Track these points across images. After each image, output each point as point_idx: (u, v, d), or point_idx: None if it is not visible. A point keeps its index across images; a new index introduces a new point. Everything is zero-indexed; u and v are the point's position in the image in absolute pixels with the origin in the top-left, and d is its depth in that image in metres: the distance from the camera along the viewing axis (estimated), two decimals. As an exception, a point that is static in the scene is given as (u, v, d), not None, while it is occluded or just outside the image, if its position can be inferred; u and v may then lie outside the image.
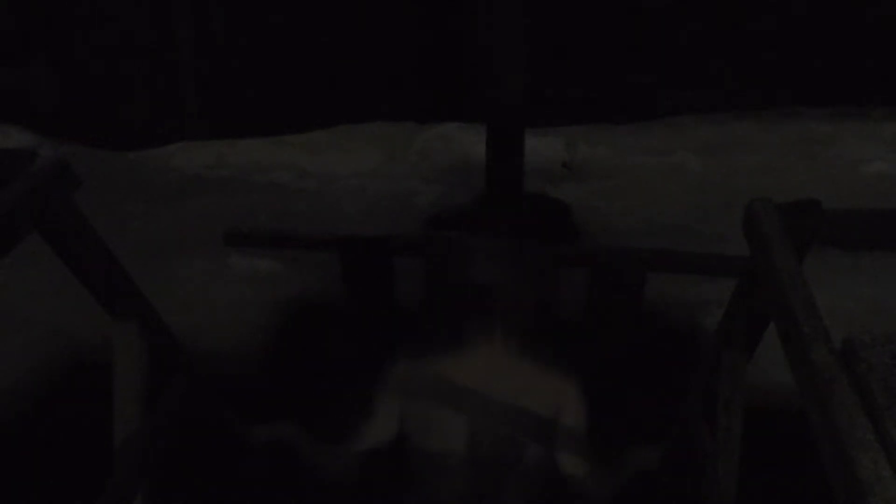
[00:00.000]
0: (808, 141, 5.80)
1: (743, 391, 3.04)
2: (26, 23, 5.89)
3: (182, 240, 5.16)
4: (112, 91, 6.07)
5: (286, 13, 6.28)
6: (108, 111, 6.13)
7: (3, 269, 2.50)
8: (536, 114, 5.29)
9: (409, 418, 3.23)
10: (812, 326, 2.11)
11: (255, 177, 6.27)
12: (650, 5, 6.07)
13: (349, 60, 6.46)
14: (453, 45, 6.30)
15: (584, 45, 5.64)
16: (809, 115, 5.97)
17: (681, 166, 5.75)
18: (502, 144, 4.90)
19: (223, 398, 4.03)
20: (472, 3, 5.13)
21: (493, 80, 4.81)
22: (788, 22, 5.93)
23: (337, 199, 5.86)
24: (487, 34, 4.78)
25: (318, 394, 3.70)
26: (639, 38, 5.97)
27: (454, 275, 3.92)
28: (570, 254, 4.80)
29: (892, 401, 1.85)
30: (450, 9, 6.37)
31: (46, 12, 5.87)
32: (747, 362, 3.00)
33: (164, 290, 3.69)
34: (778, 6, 5.90)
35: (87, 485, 3.17)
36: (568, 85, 6.21)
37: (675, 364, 3.87)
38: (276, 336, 4.58)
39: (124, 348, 3.36)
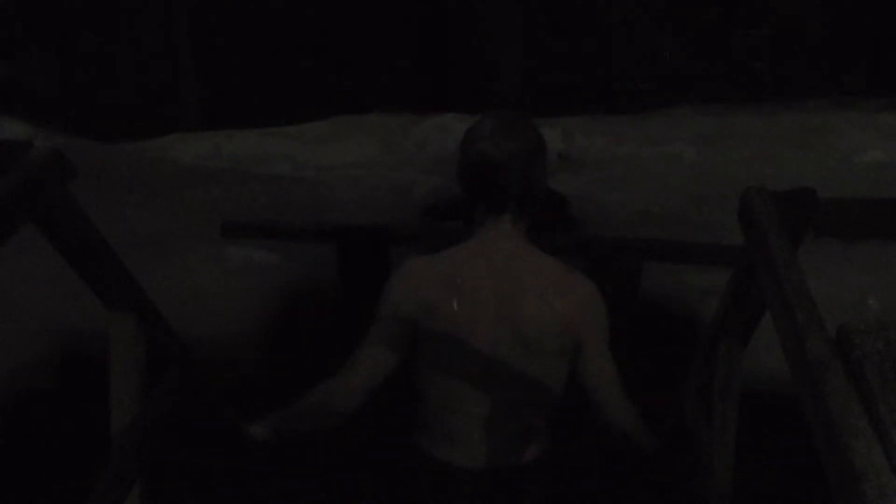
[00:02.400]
0: (804, 131, 5.82)
1: (738, 380, 3.05)
2: (24, 13, 5.88)
3: (178, 230, 5.16)
4: (109, 81, 6.07)
5: (284, 5, 6.27)
6: (105, 102, 6.13)
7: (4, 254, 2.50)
8: (533, 104, 5.29)
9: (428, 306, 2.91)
10: (807, 314, 2.11)
11: (252, 167, 6.28)
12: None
13: (347, 52, 6.46)
14: (451, 37, 6.30)
15: (581, 37, 5.64)
16: (805, 106, 5.99)
17: (677, 156, 5.77)
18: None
19: (219, 388, 4.04)
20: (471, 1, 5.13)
21: (490, 72, 4.81)
22: (785, 13, 5.93)
23: (334, 190, 5.86)
24: (485, 27, 4.78)
25: (314, 384, 3.70)
26: (634, 28, 5.97)
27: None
28: (566, 244, 4.80)
29: (886, 388, 1.85)
30: (449, 4, 6.38)
31: (45, 4, 5.86)
32: (743, 351, 3.01)
33: (160, 281, 3.69)
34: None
35: (84, 475, 3.17)
36: (564, 76, 6.21)
37: (672, 352, 3.87)
38: (272, 326, 4.59)
39: (120, 339, 3.36)
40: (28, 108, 5.93)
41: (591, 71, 6.05)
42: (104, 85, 6.10)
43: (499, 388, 2.93)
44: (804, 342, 2.01)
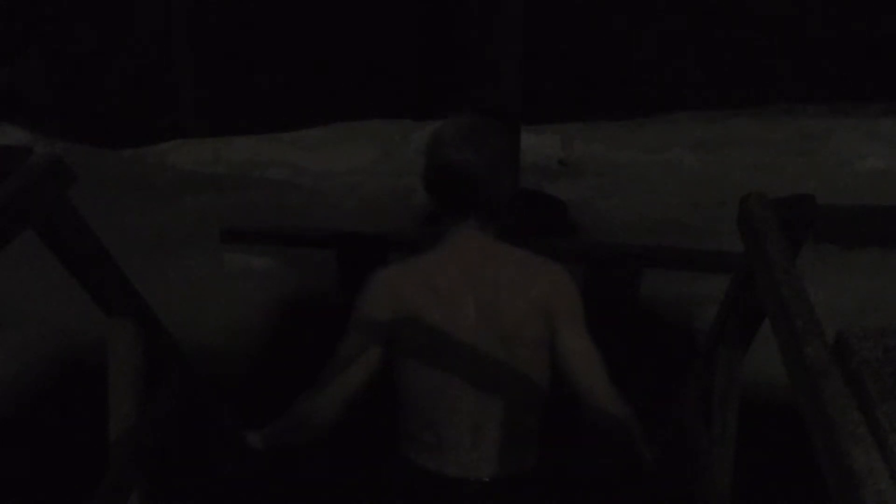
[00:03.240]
0: (804, 137, 5.83)
1: (738, 386, 3.05)
2: (22, 20, 5.89)
3: (178, 237, 5.17)
4: (108, 88, 6.08)
5: (283, 12, 6.28)
6: (104, 108, 6.14)
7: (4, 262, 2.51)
8: (532, 111, 5.30)
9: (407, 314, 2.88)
10: (805, 321, 2.12)
11: (251, 174, 6.28)
12: (647, 4, 6.08)
13: (346, 58, 6.47)
14: (451, 45, 6.31)
15: (579, 44, 5.64)
16: (805, 112, 6.00)
17: (676, 163, 5.78)
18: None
19: (218, 394, 4.04)
20: (471, 5, 5.13)
21: (490, 80, 4.82)
22: (784, 18, 5.94)
23: (333, 196, 5.87)
24: (485, 36, 4.79)
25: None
26: (633, 35, 5.98)
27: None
28: (566, 249, 4.81)
29: (884, 394, 1.85)
30: (448, 9, 6.38)
31: (42, 10, 5.87)
32: (742, 358, 3.01)
33: (159, 288, 3.69)
34: (776, 4, 5.91)
35: (83, 481, 3.17)
36: (563, 83, 6.22)
37: (672, 359, 3.88)
38: (271, 332, 4.59)
39: (120, 345, 3.36)
40: (28, 114, 5.93)
41: (590, 78, 6.06)
42: (104, 91, 6.11)
43: (485, 389, 2.89)
44: (803, 348, 2.02)
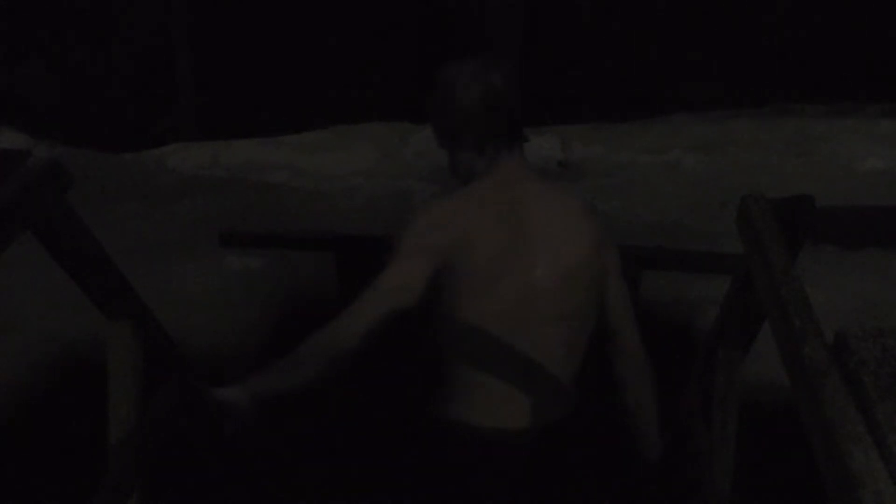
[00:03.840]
0: (803, 138, 5.83)
1: (738, 388, 3.05)
2: (23, 23, 5.90)
3: (177, 240, 5.18)
4: (107, 92, 6.10)
5: (282, 15, 6.28)
6: (104, 112, 6.16)
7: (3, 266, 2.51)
8: (532, 113, 5.30)
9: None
10: (804, 321, 2.12)
11: (250, 177, 6.28)
12: (646, 7, 6.09)
13: (345, 60, 6.47)
14: (450, 46, 6.32)
15: (579, 46, 5.65)
16: (805, 113, 6.01)
17: (676, 164, 5.78)
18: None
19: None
20: (470, 7, 5.14)
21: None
22: (785, 20, 5.95)
23: (332, 199, 5.87)
24: (484, 36, 4.80)
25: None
26: (633, 37, 5.99)
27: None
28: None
29: (882, 394, 1.86)
30: (448, 10, 6.39)
31: (43, 13, 5.88)
32: (742, 359, 3.02)
33: (159, 290, 3.71)
34: (775, 5, 5.92)
35: (83, 483, 3.18)
36: (564, 84, 6.22)
37: (672, 360, 3.88)
38: (271, 333, 4.60)
39: (119, 348, 3.36)
40: (27, 117, 5.94)
41: (589, 79, 6.07)
42: (103, 95, 6.12)
43: (541, 329, 2.80)
44: (802, 348, 2.02)
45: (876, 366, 1.95)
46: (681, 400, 3.41)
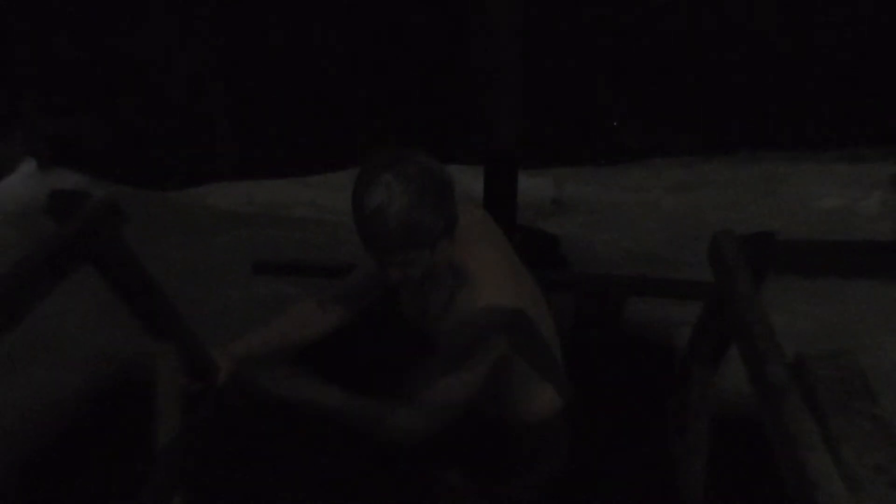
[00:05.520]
0: (768, 180, 5.83)
1: (710, 402, 3.06)
2: (80, 79, 5.96)
3: (215, 268, 5.19)
4: (154, 139, 6.14)
5: (311, 79, 6.32)
6: (151, 156, 6.19)
7: (56, 297, 2.53)
8: (529, 157, 5.33)
9: None
10: (767, 343, 2.14)
11: (280, 212, 6.29)
12: (628, 65, 6.12)
13: (362, 114, 6.51)
14: (452, 98, 6.35)
15: (569, 99, 5.69)
16: (769, 158, 6.00)
17: (656, 203, 5.78)
18: (498, 184, 4.94)
19: (252, 406, 4.04)
20: (473, 67, 5.17)
21: (490, 130, 4.86)
22: (753, 77, 5.98)
23: (352, 232, 5.87)
24: (486, 89, 4.83)
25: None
26: (612, 94, 6.03)
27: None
28: (558, 279, 4.83)
29: (836, 408, 1.87)
30: (451, 67, 6.43)
31: (98, 71, 5.94)
32: (713, 376, 3.02)
33: (200, 312, 3.72)
34: (744, 68, 5.95)
35: (131, 484, 3.18)
36: (557, 133, 6.25)
37: (652, 377, 3.88)
38: (299, 355, 4.60)
39: (165, 364, 3.37)
40: (83, 160, 5.99)
41: (579, 129, 6.10)
42: (150, 141, 6.17)
43: None
44: (765, 367, 2.03)
45: (831, 383, 1.96)
46: (660, 412, 3.41)
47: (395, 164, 2.43)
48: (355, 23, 6.32)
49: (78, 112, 6.03)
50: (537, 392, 3.05)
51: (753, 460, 2.33)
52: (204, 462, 3.55)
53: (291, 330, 3.00)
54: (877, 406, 1.88)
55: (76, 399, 4.13)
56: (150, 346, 3.30)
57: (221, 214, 6.21)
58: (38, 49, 5.91)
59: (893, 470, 1.68)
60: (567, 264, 5.09)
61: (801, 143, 5.93)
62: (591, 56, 6.11)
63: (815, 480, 1.65)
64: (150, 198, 5.93)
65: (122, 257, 2.69)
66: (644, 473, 3.58)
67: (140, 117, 6.09)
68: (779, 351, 2.09)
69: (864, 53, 5.83)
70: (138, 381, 3.44)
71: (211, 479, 3.61)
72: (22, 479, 3.64)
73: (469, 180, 5.97)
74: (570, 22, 5.97)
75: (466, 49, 5.69)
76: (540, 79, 5.42)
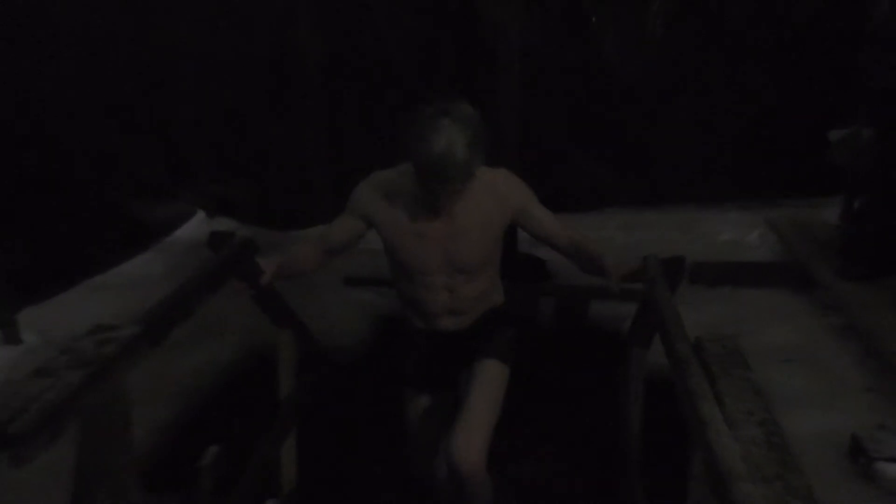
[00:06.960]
0: (687, 221, 5.77)
1: (644, 371, 3.05)
2: (229, 150, 6.03)
3: (319, 283, 5.21)
4: (278, 192, 6.21)
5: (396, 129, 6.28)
6: (276, 205, 6.27)
7: (218, 297, 2.59)
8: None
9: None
10: (678, 330, 2.15)
11: (364, 244, 6.32)
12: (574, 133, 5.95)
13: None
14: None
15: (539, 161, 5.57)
16: (687, 206, 5.93)
17: (610, 238, 5.73)
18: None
19: (344, 377, 4.06)
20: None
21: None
22: (677, 149, 5.90)
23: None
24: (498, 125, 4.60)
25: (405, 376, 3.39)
26: (570, 154, 5.94)
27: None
28: (545, 289, 4.83)
29: (722, 374, 1.87)
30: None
31: (244, 145, 5.98)
32: (646, 353, 3.02)
33: (309, 313, 3.74)
34: (671, 134, 5.86)
35: (262, 425, 3.21)
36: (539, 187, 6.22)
37: (608, 356, 3.87)
38: (377, 341, 4.62)
39: (284, 346, 3.42)
40: (229, 209, 6.06)
41: (546, 187, 6.09)
42: (276, 194, 6.21)
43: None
44: (675, 346, 2.05)
45: (718, 357, 1.97)
46: (614, 382, 3.38)
47: (448, 111, 2.14)
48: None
49: (232, 178, 6.13)
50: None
51: (669, 408, 2.34)
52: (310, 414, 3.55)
53: (308, 252, 2.86)
54: (749, 372, 1.89)
55: (234, 363, 4.18)
56: (276, 332, 3.36)
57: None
58: (207, 140, 5.94)
59: (758, 413, 1.69)
60: (551, 278, 5.08)
61: (707, 197, 5.89)
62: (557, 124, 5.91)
63: (707, 420, 1.67)
64: (276, 236, 5.99)
65: (255, 274, 2.75)
66: (600, 417, 3.57)
67: (268, 176, 6.15)
68: (685, 336, 2.10)
69: (754, 131, 5.75)
70: (270, 354, 3.47)
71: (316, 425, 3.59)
72: (196, 420, 3.65)
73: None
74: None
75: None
76: (532, 149, 5.39)
